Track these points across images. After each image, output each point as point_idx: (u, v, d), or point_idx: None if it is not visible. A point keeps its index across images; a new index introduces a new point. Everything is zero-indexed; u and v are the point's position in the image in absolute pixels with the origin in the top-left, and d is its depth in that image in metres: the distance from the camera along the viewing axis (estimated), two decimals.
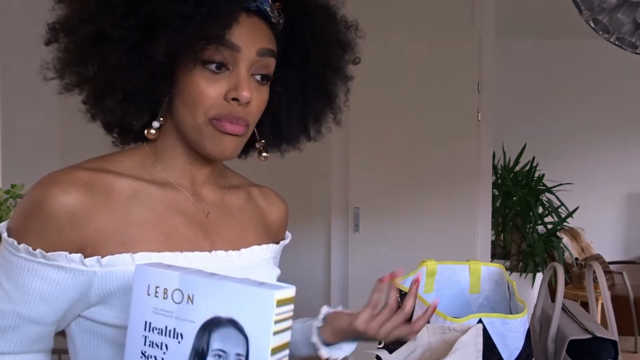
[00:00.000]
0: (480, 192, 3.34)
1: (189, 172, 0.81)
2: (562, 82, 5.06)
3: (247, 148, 0.88)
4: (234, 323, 0.56)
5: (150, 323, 0.60)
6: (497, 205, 4.17)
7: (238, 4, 0.73)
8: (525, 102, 5.04)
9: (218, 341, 0.57)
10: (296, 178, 3.71)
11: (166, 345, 0.59)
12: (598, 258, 4.42)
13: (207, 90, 0.73)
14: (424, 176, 3.32)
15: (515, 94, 4.91)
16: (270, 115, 0.82)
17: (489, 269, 1.16)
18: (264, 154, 0.86)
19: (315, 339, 0.86)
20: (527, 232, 4.21)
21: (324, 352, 0.87)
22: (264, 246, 0.88)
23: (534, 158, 4.40)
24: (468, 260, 1.17)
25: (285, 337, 0.57)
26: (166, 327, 0.59)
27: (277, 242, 0.94)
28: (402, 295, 1.02)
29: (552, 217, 4.36)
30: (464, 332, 0.88)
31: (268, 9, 0.77)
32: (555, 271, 1.19)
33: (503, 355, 0.94)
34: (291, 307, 0.57)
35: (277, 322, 0.55)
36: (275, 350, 0.55)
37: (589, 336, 1.07)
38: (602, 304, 1.29)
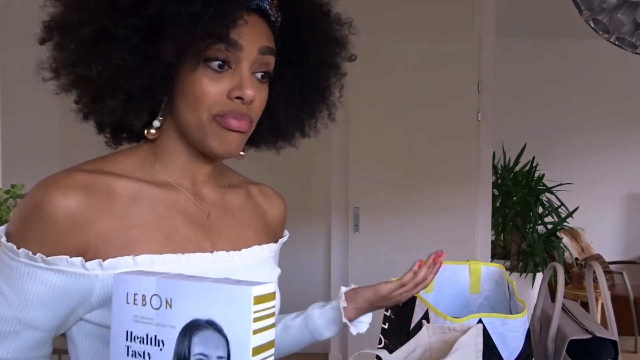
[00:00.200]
0: (480, 192, 3.34)
1: (189, 171, 0.81)
2: (562, 82, 5.06)
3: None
4: (213, 325, 0.54)
5: (131, 332, 0.58)
6: (497, 205, 4.17)
7: (241, 3, 0.73)
8: (525, 102, 5.04)
9: (199, 345, 0.55)
10: (296, 178, 3.71)
11: (148, 354, 0.57)
12: (598, 258, 4.42)
13: (210, 88, 0.73)
14: (424, 176, 3.32)
15: (515, 94, 4.91)
16: (268, 113, 0.82)
17: (489, 269, 1.16)
18: (241, 152, 0.84)
19: (344, 319, 0.93)
20: (527, 232, 4.21)
21: (353, 329, 0.94)
22: (265, 246, 0.88)
23: (534, 158, 4.40)
24: (468, 260, 1.17)
25: (268, 336, 0.55)
26: (147, 335, 0.57)
27: (277, 241, 0.94)
28: None
29: (552, 217, 4.36)
30: (464, 332, 0.88)
31: (267, 7, 0.77)
32: (555, 271, 1.19)
33: (503, 355, 0.94)
34: (272, 304, 0.56)
35: (256, 320, 0.53)
36: (257, 351, 0.54)
37: (589, 336, 1.06)
38: (602, 304, 1.29)
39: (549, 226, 4.31)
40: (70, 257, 0.69)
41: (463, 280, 1.16)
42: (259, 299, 0.53)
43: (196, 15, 0.68)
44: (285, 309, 0.94)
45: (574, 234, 4.50)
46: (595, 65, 4.94)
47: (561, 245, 4.26)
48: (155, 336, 0.57)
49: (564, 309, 1.21)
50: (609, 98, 5.05)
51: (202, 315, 0.55)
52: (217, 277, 0.59)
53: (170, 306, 0.56)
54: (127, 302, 0.58)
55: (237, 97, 0.74)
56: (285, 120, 0.86)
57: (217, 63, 0.73)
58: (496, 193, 4.14)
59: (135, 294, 0.58)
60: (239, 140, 0.77)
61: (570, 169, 4.91)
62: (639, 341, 4.05)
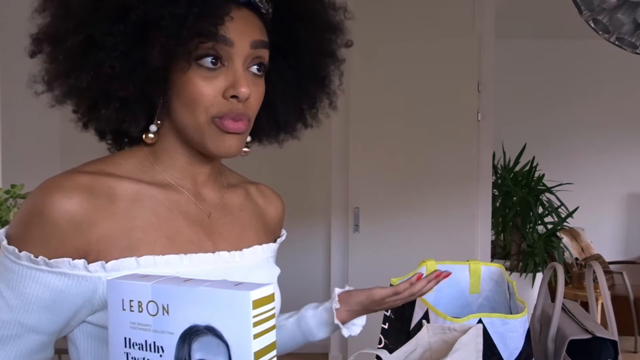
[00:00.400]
0: (480, 192, 3.34)
1: (189, 172, 0.80)
2: (562, 82, 5.06)
3: None
4: (212, 330, 0.53)
5: (130, 339, 0.57)
6: (497, 205, 4.17)
7: None
8: (525, 102, 5.04)
9: (199, 351, 0.54)
10: (296, 178, 3.71)
11: None
12: (598, 258, 4.42)
13: (205, 88, 0.72)
14: (424, 176, 3.32)
15: (515, 94, 4.91)
16: (266, 107, 0.81)
17: (489, 269, 1.16)
18: (245, 149, 0.83)
19: (336, 320, 0.91)
20: (527, 232, 4.21)
21: (345, 331, 0.93)
22: (265, 245, 0.88)
23: (534, 158, 4.40)
24: (468, 260, 1.17)
25: (270, 339, 0.54)
26: (146, 342, 0.56)
27: (275, 241, 0.94)
28: None
29: (552, 217, 4.36)
30: (464, 332, 0.88)
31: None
32: (555, 271, 1.19)
33: (503, 355, 0.94)
34: (272, 306, 0.55)
35: (257, 324, 0.52)
36: (259, 354, 0.53)
37: (589, 336, 1.06)
38: (602, 304, 1.29)
39: (549, 226, 4.31)
40: (73, 259, 0.68)
41: (463, 280, 1.16)
42: (258, 302, 0.52)
43: (181, 15, 0.67)
44: (285, 309, 0.94)
45: (574, 234, 4.50)
46: (595, 65, 4.94)
47: (561, 245, 4.26)
48: (154, 343, 0.56)
49: (564, 309, 1.21)
50: (609, 98, 5.05)
51: (201, 320, 0.53)
52: (215, 280, 0.58)
53: (168, 312, 0.55)
54: (124, 309, 0.57)
55: (233, 96, 0.73)
56: (285, 112, 0.86)
57: (209, 60, 0.72)
58: (496, 193, 4.14)
59: (131, 300, 0.57)
60: (238, 142, 0.76)
61: (570, 169, 4.91)
62: (639, 341, 4.05)
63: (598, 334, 1.06)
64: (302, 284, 3.51)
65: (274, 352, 0.55)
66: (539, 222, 4.27)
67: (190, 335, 0.54)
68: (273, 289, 0.56)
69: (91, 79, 0.69)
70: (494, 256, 4.04)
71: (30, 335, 0.70)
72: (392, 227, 3.34)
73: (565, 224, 4.42)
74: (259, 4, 0.77)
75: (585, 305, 1.26)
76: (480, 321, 0.93)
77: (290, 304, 1.06)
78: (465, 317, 0.94)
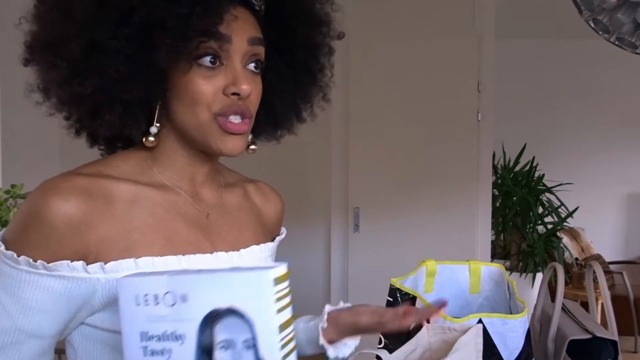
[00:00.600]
0: (480, 192, 3.34)
1: (188, 173, 0.80)
2: (562, 82, 5.06)
3: None
4: (234, 311, 0.55)
5: (146, 332, 0.58)
6: (497, 205, 4.17)
7: None
8: (525, 102, 5.04)
9: (222, 333, 0.56)
10: (296, 178, 3.71)
11: (169, 350, 0.58)
12: (598, 258, 4.42)
13: (205, 87, 0.72)
14: (424, 176, 3.32)
15: (515, 94, 4.91)
16: (263, 104, 0.81)
17: (489, 269, 1.16)
18: (252, 147, 0.84)
19: (322, 341, 0.86)
20: (527, 232, 4.21)
21: (331, 352, 0.87)
22: (262, 245, 0.87)
23: (534, 158, 4.40)
24: (468, 260, 1.17)
25: (288, 314, 0.57)
26: (164, 332, 0.58)
27: (274, 239, 0.94)
28: (403, 294, 1.02)
29: (552, 217, 4.36)
30: (464, 332, 0.88)
31: None
32: (555, 271, 1.19)
33: (503, 355, 0.94)
34: (287, 283, 0.58)
35: (277, 300, 0.55)
36: (283, 327, 0.56)
37: (589, 336, 1.07)
38: (602, 304, 1.29)
39: (549, 226, 4.31)
40: (71, 262, 0.68)
41: (463, 280, 1.16)
42: (277, 280, 0.56)
43: (185, 15, 0.67)
44: None
45: (574, 234, 4.50)
46: (595, 65, 4.94)
47: (561, 245, 4.26)
48: (174, 332, 0.57)
49: (564, 309, 1.21)
50: (609, 98, 5.05)
51: (222, 304, 0.55)
52: (224, 268, 0.59)
53: (186, 300, 0.57)
54: (138, 304, 0.58)
55: (234, 94, 0.73)
56: (282, 108, 0.86)
57: (208, 59, 0.72)
58: (496, 193, 4.14)
59: (145, 295, 0.58)
60: (241, 141, 0.76)
61: (570, 169, 4.90)
62: (639, 341, 4.05)
63: (598, 334, 1.06)
64: (302, 283, 3.50)
65: (292, 327, 0.58)
66: (539, 222, 4.27)
67: (212, 319, 0.56)
68: (287, 267, 0.58)
69: (96, 84, 0.69)
70: (494, 256, 4.04)
71: (31, 340, 0.69)
72: (392, 227, 3.33)
73: (565, 224, 4.42)
74: (253, 1, 0.77)
75: (585, 305, 1.26)
76: (480, 321, 0.93)
77: None
78: (465, 317, 0.94)
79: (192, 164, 0.80)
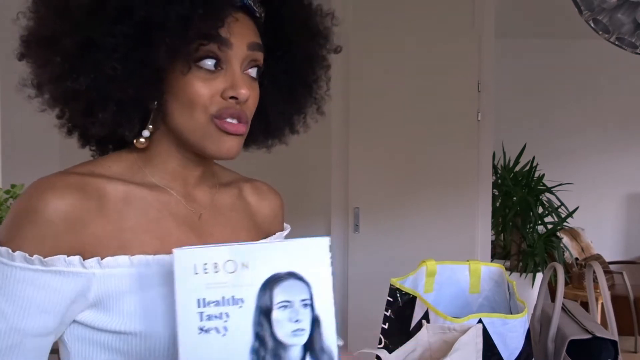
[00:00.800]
0: (480, 192, 3.34)
1: (180, 175, 0.80)
2: (562, 82, 5.06)
3: None
4: (293, 275, 0.63)
5: (204, 299, 0.62)
6: (497, 205, 4.17)
7: (228, 1, 0.72)
8: (525, 102, 5.04)
9: (281, 294, 0.62)
10: (296, 178, 3.71)
11: (226, 314, 0.62)
12: (598, 258, 4.42)
13: (203, 89, 0.72)
14: (424, 176, 3.32)
15: (515, 94, 4.91)
16: (257, 111, 0.81)
17: (489, 269, 1.16)
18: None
19: None
20: (527, 232, 4.21)
21: None
22: None
23: (534, 158, 4.40)
24: (468, 260, 1.17)
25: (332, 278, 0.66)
26: (223, 297, 0.62)
27: (269, 237, 0.93)
28: (403, 295, 1.02)
29: (552, 217, 4.36)
30: (464, 332, 0.88)
31: (251, 3, 0.76)
32: (555, 271, 1.19)
33: (503, 355, 0.94)
34: (331, 253, 0.66)
35: (330, 264, 0.64)
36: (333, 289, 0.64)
37: (589, 336, 1.06)
38: (602, 304, 1.29)
39: (549, 226, 4.31)
40: (68, 256, 0.68)
41: (463, 280, 1.16)
42: (330, 248, 0.64)
43: (185, 16, 0.67)
44: None
45: (574, 234, 4.50)
46: (595, 65, 4.93)
47: (561, 245, 4.26)
48: (233, 296, 0.62)
49: (564, 309, 1.21)
50: (609, 98, 5.05)
51: (282, 269, 0.63)
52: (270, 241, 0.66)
53: (247, 267, 0.62)
54: (196, 273, 0.62)
55: (232, 97, 0.73)
56: (275, 116, 0.86)
57: (210, 62, 0.72)
58: (496, 193, 4.14)
59: (205, 264, 0.62)
60: (238, 143, 0.76)
61: (570, 169, 4.91)
62: (639, 341, 4.05)
63: (598, 334, 1.06)
64: None
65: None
66: (539, 222, 4.27)
67: (272, 282, 0.62)
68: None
69: (90, 81, 0.68)
70: (494, 256, 4.04)
71: (30, 340, 0.68)
72: (392, 227, 3.33)
73: (565, 224, 4.42)
74: (254, 8, 0.77)
75: (585, 305, 1.26)
76: (480, 321, 0.92)
77: None
78: (465, 317, 0.93)
79: (185, 166, 0.80)
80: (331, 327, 0.64)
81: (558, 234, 4.33)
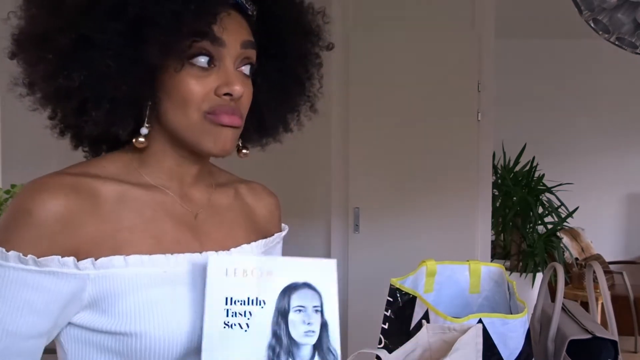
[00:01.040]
0: (480, 192, 3.34)
1: (176, 174, 0.80)
2: (562, 82, 5.06)
3: None
4: (308, 285, 0.73)
5: (231, 298, 0.70)
6: (497, 205, 4.17)
7: None
8: (525, 102, 5.04)
9: (297, 300, 0.72)
10: (296, 178, 3.71)
11: (250, 312, 0.70)
12: (598, 258, 4.42)
13: (196, 87, 0.72)
14: (424, 176, 3.32)
15: (515, 94, 4.91)
16: (250, 110, 0.80)
17: (489, 269, 1.15)
18: (244, 151, 0.84)
19: None
20: (527, 232, 4.21)
21: None
22: (253, 244, 0.87)
23: (534, 158, 4.40)
24: (468, 260, 1.17)
25: None
26: (248, 298, 0.70)
27: (268, 236, 0.93)
28: (403, 295, 1.02)
29: (552, 217, 4.36)
30: (464, 332, 0.88)
31: (244, 0, 0.76)
32: (555, 271, 1.19)
33: (503, 355, 0.94)
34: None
35: (336, 280, 0.75)
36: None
37: (589, 336, 1.06)
38: (602, 304, 1.29)
39: (549, 226, 4.31)
40: (62, 257, 0.67)
41: (463, 280, 1.15)
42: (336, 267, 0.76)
43: (178, 12, 0.67)
44: None
45: (574, 234, 4.50)
46: (595, 65, 4.94)
47: (561, 245, 4.26)
48: (257, 298, 0.71)
49: (564, 309, 1.21)
50: (609, 98, 5.05)
51: (299, 279, 0.73)
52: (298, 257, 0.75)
53: (271, 275, 0.72)
54: (227, 275, 0.70)
55: (226, 94, 0.73)
56: (269, 115, 0.86)
57: (203, 60, 0.72)
58: (496, 193, 4.14)
59: (235, 268, 0.71)
60: (233, 136, 0.76)
61: (570, 169, 4.91)
62: (639, 341, 4.05)
63: (598, 334, 1.06)
64: None
65: None
66: (539, 222, 4.27)
67: (290, 289, 0.72)
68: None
69: (83, 78, 0.68)
70: (494, 256, 4.04)
71: (21, 342, 0.67)
72: (392, 227, 3.33)
73: (565, 224, 4.42)
74: (246, 5, 0.77)
75: (585, 305, 1.26)
76: (480, 321, 0.92)
77: None
78: (465, 317, 0.93)
79: (181, 165, 0.80)
80: (336, 331, 0.73)
81: (558, 234, 4.33)
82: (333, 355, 0.73)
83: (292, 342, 0.71)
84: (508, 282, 1.11)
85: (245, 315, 0.70)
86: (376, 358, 0.83)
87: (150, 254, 0.72)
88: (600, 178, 5.08)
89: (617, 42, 1.54)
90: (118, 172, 0.76)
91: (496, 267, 1.16)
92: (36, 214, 0.67)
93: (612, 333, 1.10)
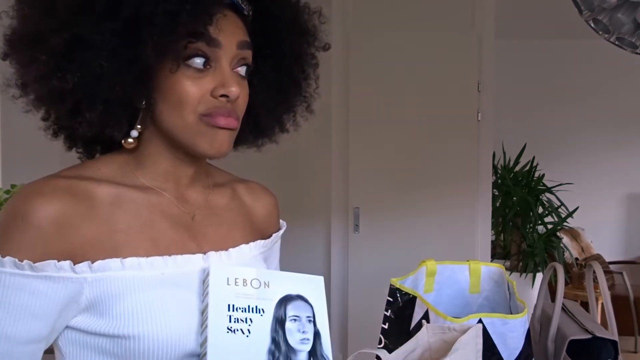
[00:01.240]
0: (480, 192, 3.34)
1: (172, 175, 0.79)
2: (562, 82, 5.06)
3: None
4: (301, 297, 0.78)
5: (233, 305, 0.73)
6: (497, 205, 4.17)
7: None
8: (525, 102, 5.04)
9: (292, 310, 0.77)
10: (296, 178, 3.71)
11: (250, 319, 0.73)
12: (598, 258, 4.42)
13: (192, 88, 0.71)
14: (424, 176, 3.32)
15: (515, 94, 4.91)
16: (247, 110, 0.80)
17: (489, 269, 1.16)
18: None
19: None
20: (527, 232, 4.21)
21: None
22: (252, 244, 0.87)
23: (534, 158, 4.40)
24: (468, 260, 1.17)
25: None
26: (249, 306, 0.74)
27: (267, 237, 0.93)
28: (403, 295, 1.02)
29: (552, 217, 4.36)
30: (464, 332, 0.88)
31: (240, 0, 0.76)
32: (555, 271, 1.19)
33: (503, 355, 0.94)
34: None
35: (324, 294, 0.81)
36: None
37: (589, 336, 1.06)
38: (602, 304, 1.29)
39: (549, 226, 4.31)
40: (58, 261, 0.67)
41: (463, 280, 1.16)
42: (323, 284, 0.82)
43: (174, 13, 0.66)
44: None
45: (574, 234, 4.50)
46: (595, 65, 4.93)
47: (561, 245, 4.26)
48: (257, 306, 0.75)
49: (564, 309, 1.21)
50: (609, 98, 5.05)
51: (293, 291, 0.78)
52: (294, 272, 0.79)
53: (268, 286, 0.76)
54: (229, 284, 0.74)
55: (222, 95, 0.72)
56: (265, 115, 0.85)
57: (199, 61, 0.71)
58: (496, 193, 4.14)
59: (236, 278, 0.75)
60: (229, 138, 0.76)
61: (570, 169, 4.90)
62: (639, 341, 4.05)
63: (598, 334, 1.06)
64: None
65: None
66: (539, 222, 4.27)
67: (286, 300, 0.77)
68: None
69: (77, 79, 0.67)
70: (494, 256, 4.04)
71: (20, 347, 0.67)
72: (392, 227, 3.33)
73: (565, 224, 4.42)
74: (242, 6, 0.76)
75: (585, 305, 1.26)
76: (480, 321, 0.92)
77: None
78: (465, 317, 0.93)
79: (177, 166, 0.79)
80: (327, 340, 0.79)
81: (558, 234, 4.33)
82: None
83: (290, 349, 0.75)
84: (508, 282, 1.11)
85: (246, 322, 0.73)
86: (376, 358, 0.83)
87: (147, 256, 0.72)
88: (600, 178, 5.07)
89: (617, 42, 1.54)
90: (113, 174, 0.76)
91: (496, 267, 1.16)
92: (31, 218, 0.66)
93: (612, 333, 1.10)
